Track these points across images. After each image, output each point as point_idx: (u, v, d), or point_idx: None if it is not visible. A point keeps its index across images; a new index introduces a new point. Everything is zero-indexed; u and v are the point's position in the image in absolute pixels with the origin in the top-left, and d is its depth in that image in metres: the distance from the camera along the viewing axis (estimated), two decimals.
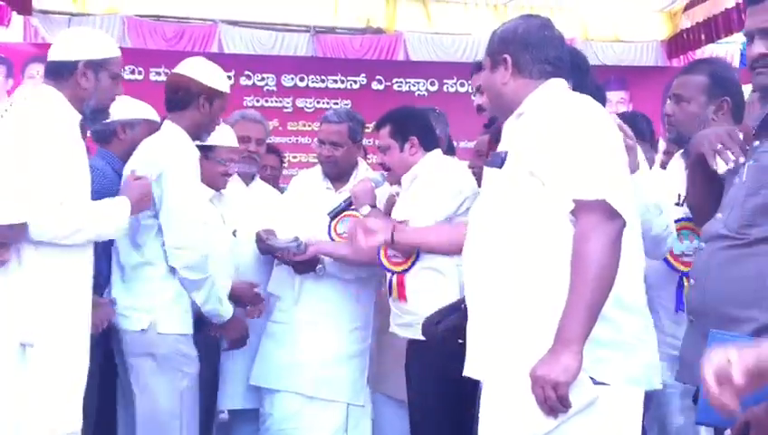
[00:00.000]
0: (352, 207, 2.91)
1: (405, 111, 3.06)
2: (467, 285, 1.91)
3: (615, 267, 1.66)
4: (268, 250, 3.02)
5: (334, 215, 2.95)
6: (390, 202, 2.98)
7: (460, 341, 2.27)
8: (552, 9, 6.04)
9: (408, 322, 2.73)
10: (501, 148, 1.88)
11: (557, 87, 1.86)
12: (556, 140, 1.72)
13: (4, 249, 2.20)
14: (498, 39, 1.92)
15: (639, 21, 6.96)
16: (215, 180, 2.94)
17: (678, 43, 6.86)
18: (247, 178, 3.30)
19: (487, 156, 2.88)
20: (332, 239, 3.01)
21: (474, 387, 2.30)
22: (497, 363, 1.78)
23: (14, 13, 5.93)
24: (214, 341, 2.94)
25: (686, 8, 6.72)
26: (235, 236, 3.05)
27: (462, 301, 2.44)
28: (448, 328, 2.44)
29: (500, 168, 1.82)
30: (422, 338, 2.61)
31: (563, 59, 1.90)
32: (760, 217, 1.73)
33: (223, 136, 2.95)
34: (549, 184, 1.72)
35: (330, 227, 3.01)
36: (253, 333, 3.04)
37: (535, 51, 1.87)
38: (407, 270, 2.75)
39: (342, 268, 3.01)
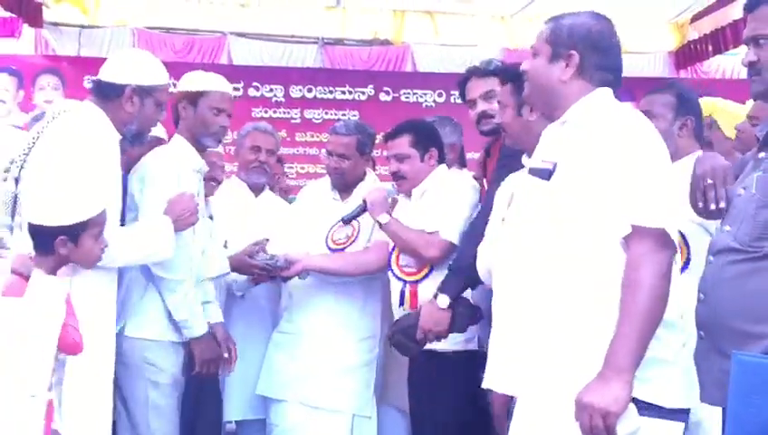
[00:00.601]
0: (366, 212, 2.92)
1: (425, 122, 3.08)
2: (498, 294, 1.86)
3: (667, 297, 1.64)
4: (248, 271, 2.97)
5: (349, 220, 2.95)
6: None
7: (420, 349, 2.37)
8: None
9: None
10: (544, 157, 1.79)
11: (607, 98, 1.80)
12: (616, 161, 1.66)
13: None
14: (567, 32, 1.80)
15: (647, 32, 6.96)
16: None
17: (686, 55, 6.87)
18: (257, 189, 3.31)
19: (483, 168, 2.90)
20: (328, 247, 3.02)
21: (486, 400, 2.31)
22: (531, 380, 1.73)
23: (26, 25, 5.99)
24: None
25: (694, 19, 6.72)
26: (226, 247, 3.00)
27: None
28: (396, 330, 2.61)
29: (547, 179, 1.74)
30: (432, 349, 2.62)
31: (620, 69, 1.84)
32: None
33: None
34: (605, 205, 1.66)
35: (328, 234, 3.01)
36: (259, 342, 3.04)
37: (603, 56, 1.79)
38: (420, 280, 2.75)
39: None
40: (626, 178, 1.65)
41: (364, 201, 2.87)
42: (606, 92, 1.80)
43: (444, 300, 2.47)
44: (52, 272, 2.14)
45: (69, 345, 2.08)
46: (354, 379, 3.02)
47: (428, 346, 2.61)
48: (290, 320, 3.08)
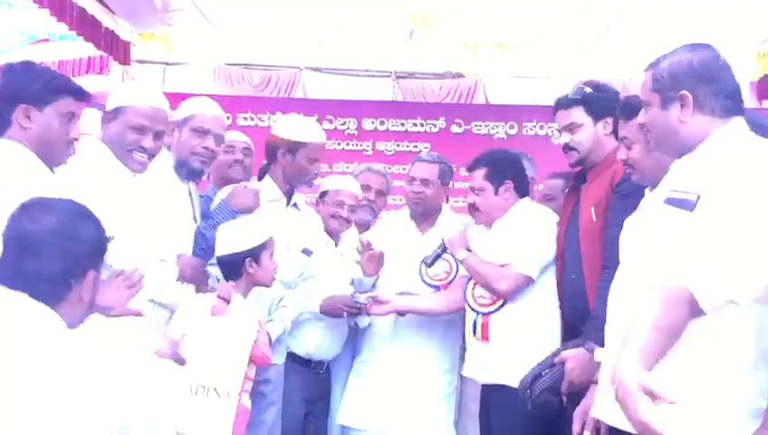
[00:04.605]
0: (447, 251, 2.93)
1: (501, 154, 3.07)
2: (619, 321, 1.78)
3: None
4: (338, 311, 3.02)
5: (431, 262, 2.97)
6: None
7: (564, 403, 2.23)
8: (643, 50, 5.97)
9: (489, 366, 2.71)
10: (679, 188, 1.72)
11: (742, 129, 1.75)
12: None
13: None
14: (669, 75, 1.77)
15: (730, 62, 6.78)
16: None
17: None
18: (363, 227, 3.41)
19: (569, 199, 2.87)
20: (426, 283, 3.04)
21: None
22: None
23: (114, 62, 6.30)
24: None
25: None
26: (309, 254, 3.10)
27: (554, 355, 2.40)
28: (544, 389, 2.38)
29: (691, 211, 1.66)
30: (502, 383, 2.58)
31: (738, 90, 1.79)
32: None
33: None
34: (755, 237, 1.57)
35: (421, 272, 3.03)
36: (342, 370, 3.08)
37: (715, 84, 1.74)
38: (493, 311, 2.74)
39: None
40: None
41: (443, 240, 2.90)
42: (740, 123, 1.74)
43: (600, 354, 2.28)
44: (246, 293, 2.60)
45: (258, 358, 2.47)
46: (436, 411, 3.02)
47: (502, 381, 2.58)
48: (371, 350, 3.11)
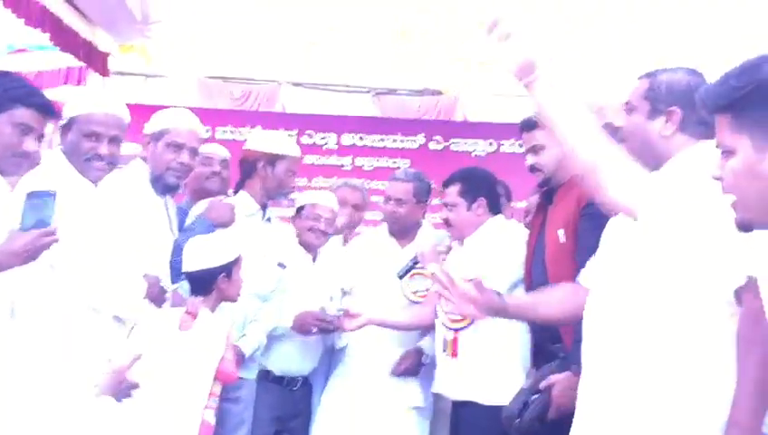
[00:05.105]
0: (419, 265, 2.94)
1: (475, 171, 3.09)
2: (592, 344, 1.78)
3: None
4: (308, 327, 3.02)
5: (403, 274, 2.98)
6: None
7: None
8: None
9: (458, 382, 2.71)
10: (656, 207, 1.72)
11: (710, 150, 1.69)
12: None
13: None
14: (666, 88, 1.80)
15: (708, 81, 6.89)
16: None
17: None
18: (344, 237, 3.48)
19: (536, 217, 2.89)
20: (408, 299, 3.06)
21: None
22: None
23: (93, 73, 6.25)
24: None
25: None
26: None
27: (538, 379, 2.35)
28: (533, 417, 2.30)
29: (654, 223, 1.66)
30: (471, 399, 2.58)
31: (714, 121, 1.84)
32: None
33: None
34: (718, 255, 1.59)
35: (402, 287, 3.05)
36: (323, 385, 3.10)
37: (702, 113, 1.78)
38: (463, 328, 2.74)
39: None
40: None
41: (416, 255, 2.91)
42: (709, 145, 1.72)
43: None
44: (213, 308, 2.57)
45: (224, 375, 2.44)
46: (410, 426, 3.02)
47: (471, 398, 2.58)
48: (345, 364, 3.13)
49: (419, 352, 3.03)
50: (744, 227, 1.35)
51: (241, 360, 2.86)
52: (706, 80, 1.82)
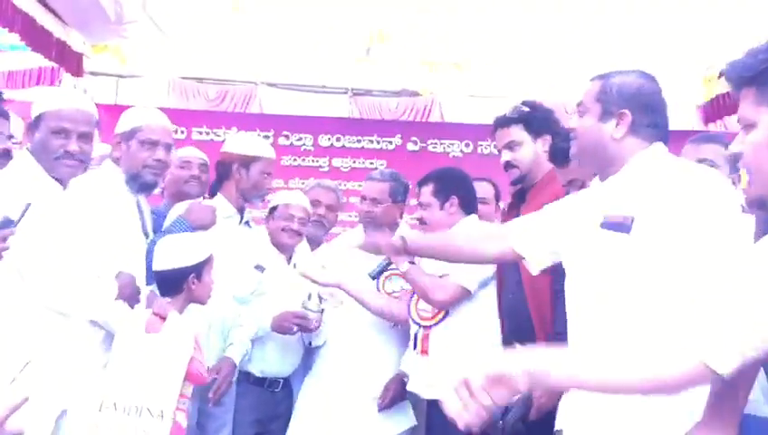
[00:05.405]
0: (392, 266, 2.94)
1: (449, 171, 3.11)
2: (573, 346, 1.78)
3: None
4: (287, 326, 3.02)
5: (376, 275, 2.98)
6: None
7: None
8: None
9: (430, 381, 2.71)
10: (612, 211, 1.76)
11: (664, 152, 1.81)
12: (701, 213, 1.64)
13: None
14: (617, 91, 1.83)
15: (675, 85, 6.98)
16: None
17: (715, 108, 6.85)
18: (315, 242, 3.40)
19: (509, 215, 2.91)
20: None
21: None
22: (609, 428, 1.69)
23: (66, 73, 6.18)
24: None
25: (722, 74, 6.72)
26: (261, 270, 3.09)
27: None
28: (517, 419, 2.33)
29: (627, 232, 1.71)
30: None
31: (667, 126, 1.86)
32: None
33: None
34: (692, 256, 1.62)
35: (378, 287, 3.04)
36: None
37: (654, 114, 1.82)
38: (433, 325, 2.75)
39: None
40: (712, 227, 1.62)
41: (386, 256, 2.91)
42: (662, 148, 1.81)
43: None
44: (182, 309, 2.51)
45: (194, 376, 2.38)
46: (386, 425, 3.02)
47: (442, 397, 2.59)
48: (320, 364, 3.12)
49: (400, 378, 2.98)
50: (758, 204, 1.35)
51: (233, 369, 2.86)
52: (658, 84, 1.85)
